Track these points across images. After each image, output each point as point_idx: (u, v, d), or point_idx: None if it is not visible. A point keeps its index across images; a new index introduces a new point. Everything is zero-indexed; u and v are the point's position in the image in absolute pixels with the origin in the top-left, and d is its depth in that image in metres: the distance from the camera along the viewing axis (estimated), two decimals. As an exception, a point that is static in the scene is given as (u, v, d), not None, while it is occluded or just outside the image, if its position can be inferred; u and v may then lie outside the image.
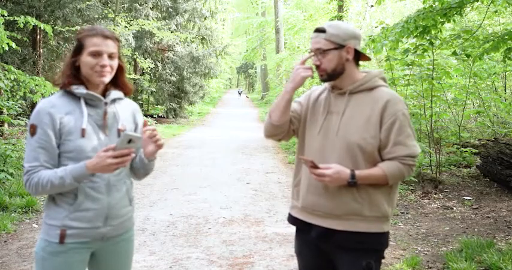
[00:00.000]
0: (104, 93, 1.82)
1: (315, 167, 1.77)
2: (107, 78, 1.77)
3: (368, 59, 1.98)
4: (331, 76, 1.88)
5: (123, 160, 1.62)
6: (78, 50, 1.76)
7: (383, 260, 3.95)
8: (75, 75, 1.76)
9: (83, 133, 1.71)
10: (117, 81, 1.86)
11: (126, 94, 1.91)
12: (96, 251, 1.85)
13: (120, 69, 1.84)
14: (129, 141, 1.62)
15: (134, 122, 1.93)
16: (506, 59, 4.86)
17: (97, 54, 1.73)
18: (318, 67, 1.88)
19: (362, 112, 1.85)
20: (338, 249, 1.88)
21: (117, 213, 1.82)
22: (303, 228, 1.98)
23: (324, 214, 1.88)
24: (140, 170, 1.92)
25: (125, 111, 1.89)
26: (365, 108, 1.85)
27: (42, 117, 1.70)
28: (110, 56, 1.76)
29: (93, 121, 1.76)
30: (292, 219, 2.04)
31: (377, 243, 1.88)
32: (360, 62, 1.98)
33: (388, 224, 1.91)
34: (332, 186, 1.82)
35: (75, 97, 1.76)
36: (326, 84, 2.02)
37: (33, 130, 1.70)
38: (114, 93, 1.83)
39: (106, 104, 1.80)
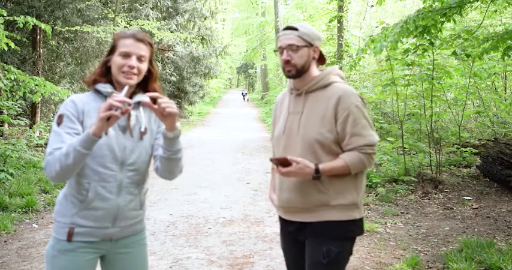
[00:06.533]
0: (131, 96, 1.82)
1: (285, 163, 1.87)
2: (133, 81, 1.77)
3: (324, 61, 2.07)
4: (299, 72, 1.97)
5: (112, 107, 1.56)
6: (111, 50, 1.80)
7: (382, 260, 3.95)
8: (104, 74, 1.80)
9: (105, 131, 1.71)
10: (146, 87, 1.86)
11: (154, 99, 1.87)
12: (108, 255, 1.86)
13: (150, 75, 1.86)
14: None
15: (158, 126, 1.91)
16: (505, 57, 4.85)
17: (126, 55, 1.75)
18: (287, 62, 1.95)
19: (318, 109, 1.95)
20: (309, 237, 1.98)
21: (126, 215, 1.82)
22: (284, 225, 2.12)
23: (296, 209, 1.99)
24: (165, 161, 1.79)
25: (150, 116, 1.88)
26: (320, 106, 1.96)
27: (67, 107, 1.75)
28: (140, 59, 1.77)
29: None
30: (279, 218, 2.18)
31: (344, 230, 1.95)
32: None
33: (359, 211, 1.98)
34: (299, 181, 1.94)
35: (102, 96, 1.79)
36: (287, 87, 2.14)
37: (60, 120, 1.73)
38: (140, 97, 1.81)
39: (130, 105, 1.79)
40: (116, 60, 1.76)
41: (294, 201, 1.97)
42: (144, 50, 1.78)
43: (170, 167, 1.82)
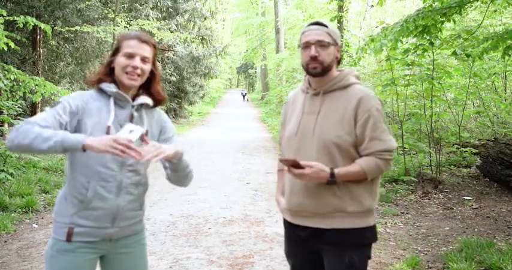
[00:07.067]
0: (134, 98, 1.84)
1: (296, 165, 1.78)
2: (137, 82, 1.79)
3: (340, 62, 2.01)
4: (324, 70, 1.88)
5: (122, 149, 1.57)
6: (115, 51, 1.81)
7: (382, 260, 3.94)
8: (108, 75, 1.81)
9: (107, 130, 1.73)
10: (149, 89, 1.88)
11: (158, 103, 1.90)
12: (108, 256, 1.86)
13: (153, 77, 1.87)
14: (130, 132, 1.68)
15: (160, 132, 1.92)
16: (506, 56, 4.85)
17: (130, 56, 1.77)
18: (314, 59, 1.85)
19: (336, 110, 1.87)
20: (326, 245, 1.89)
21: (126, 215, 1.82)
22: (292, 230, 2.00)
23: (309, 214, 1.89)
24: (174, 176, 1.92)
25: (151, 119, 1.89)
26: (339, 107, 1.87)
27: (69, 99, 1.76)
28: (143, 60, 1.79)
29: (117, 121, 1.78)
30: (283, 222, 2.07)
31: (362, 238, 1.89)
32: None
33: (373, 217, 1.93)
34: (313, 185, 1.85)
35: (106, 95, 1.80)
36: (300, 86, 2.05)
37: (55, 104, 1.74)
38: (143, 99, 1.83)
39: (133, 106, 1.82)
40: (120, 60, 1.77)
41: (307, 206, 1.88)
42: (147, 52, 1.80)
43: (180, 179, 1.94)
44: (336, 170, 1.80)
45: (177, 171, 1.89)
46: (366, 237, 1.90)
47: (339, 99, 1.88)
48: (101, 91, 1.80)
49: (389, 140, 1.86)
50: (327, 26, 1.88)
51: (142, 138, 1.71)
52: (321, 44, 1.85)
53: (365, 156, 1.84)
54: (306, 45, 1.87)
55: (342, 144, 1.83)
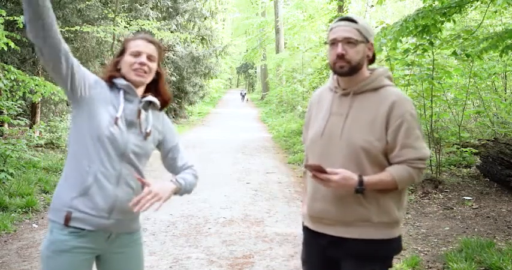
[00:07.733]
0: (142, 97, 1.89)
1: (321, 171, 1.68)
2: (144, 79, 1.84)
3: (374, 61, 1.89)
4: (352, 69, 1.76)
5: None
6: (121, 52, 1.87)
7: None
8: (117, 72, 1.86)
9: (115, 121, 1.77)
10: (157, 89, 1.94)
11: (164, 102, 1.96)
12: (104, 255, 1.86)
13: (159, 77, 1.94)
14: None
15: (163, 138, 1.97)
16: (504, 54, 4.84)
17: (137, 54, 1.82)
18: (341, 57, 1.74)
19: (367, 113, 1.76)
20: (346, 256, 1.81)
21: (123, 208, 1.82)
22: (312, 236, 1.92)
23: (331, 222, 1.81)
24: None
25: (156, 120, 1.93)
26: (370, 110, 1.76)
27: (98, 79, 1.84)
28: (149, 58, 1.84)
29: (124, 115, 1.82)
30: (303, 228, 2.00)
31: (386, 249, 1.81)
32: None
33: (398, 228, 1.84)
34: (338, 192, 1.75)
35: (116, 90, 1.84)
36: (328, 84, 1.94)
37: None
38: (151, 97, 1.89)
39: (141, 102, 1.86)
40: (127, 59, 1.83)
41: (330, 213, 1.79)
42: (153, 51, 1.86)
43: (188, 193, 1.98)
44: (365, 178, 1.70)
45: (184, 194, 1.96)
46: (392, 248, 1.83)
47: (370, 102, 1.78)
48: (112, 86, 1.85)
49: (423, 147, 1.75)
50: (356, 22, 1.76)
51: (141, 182, 1.77)
52: (348, 41, 1.73)
53: (396, 164, 1.74)
54: (333, 42, 1.76)
55: (370, 149, 1.72)
